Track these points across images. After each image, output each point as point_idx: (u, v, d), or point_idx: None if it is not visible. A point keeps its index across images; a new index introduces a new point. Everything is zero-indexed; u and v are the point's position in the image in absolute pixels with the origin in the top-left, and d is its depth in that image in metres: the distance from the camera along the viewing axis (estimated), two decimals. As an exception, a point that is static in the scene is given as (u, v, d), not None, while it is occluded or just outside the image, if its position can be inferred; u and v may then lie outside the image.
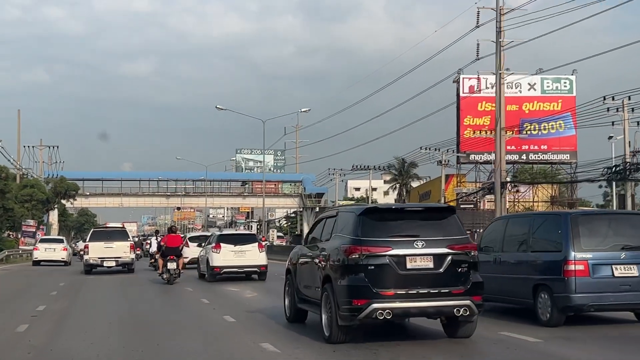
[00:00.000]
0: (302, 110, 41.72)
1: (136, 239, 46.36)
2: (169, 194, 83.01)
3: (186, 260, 28.43)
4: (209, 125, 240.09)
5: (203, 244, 27.25)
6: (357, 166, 67.10)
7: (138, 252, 36.97)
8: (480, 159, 57.29)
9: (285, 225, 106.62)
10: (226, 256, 23.55)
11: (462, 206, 52.13)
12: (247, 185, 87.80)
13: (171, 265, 22.46)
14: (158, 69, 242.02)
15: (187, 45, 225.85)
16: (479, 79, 58.79)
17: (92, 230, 31.72)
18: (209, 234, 32.78)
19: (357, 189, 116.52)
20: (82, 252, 32.78)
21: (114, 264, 28.04)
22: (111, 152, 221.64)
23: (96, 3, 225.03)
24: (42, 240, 39.50)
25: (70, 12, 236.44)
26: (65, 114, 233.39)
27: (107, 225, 32.55)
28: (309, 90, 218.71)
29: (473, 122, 58.16)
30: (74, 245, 56.52)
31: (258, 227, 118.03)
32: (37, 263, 36.91)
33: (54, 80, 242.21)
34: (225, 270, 23.58)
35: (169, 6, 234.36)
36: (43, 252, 37.06)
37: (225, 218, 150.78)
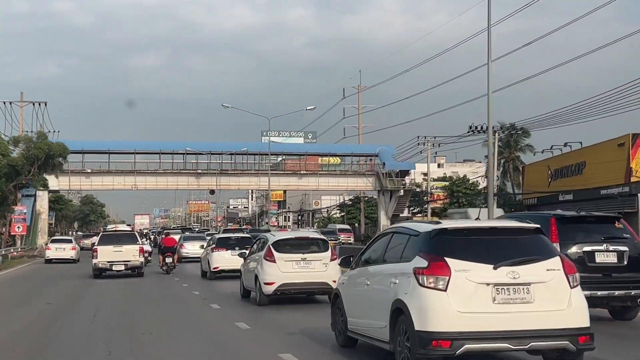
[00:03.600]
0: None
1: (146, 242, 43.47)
2: (200, 171, 60.62)
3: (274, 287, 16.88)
4: (220, 118, 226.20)
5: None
6: (475, 128, 46.58)
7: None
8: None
9: (339, 216, 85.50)
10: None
11: None
12: (279, 163, 66.43)
13: (168, 260, 29.41)
14: (167, 62, 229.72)
15: (197, 37, 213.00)
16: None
17: (101, 233, 33.40)
18: (306, 234, 20.13)
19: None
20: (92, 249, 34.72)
21: (123, 267, 28.31)
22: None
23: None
24: (53, 241, 44.18)
25: (78, 4, 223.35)
26: (75, 107, 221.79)
27: (117, 229, 33.19)
28: (318, 81, 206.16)
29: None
30: (80, 242, 52.41)
31: (299, 218, 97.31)
32: (49, 261, 40.85)
33: (64, 73, 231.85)
34: None
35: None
36: (54, 251, 41.61)
37: (253, 209, 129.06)
